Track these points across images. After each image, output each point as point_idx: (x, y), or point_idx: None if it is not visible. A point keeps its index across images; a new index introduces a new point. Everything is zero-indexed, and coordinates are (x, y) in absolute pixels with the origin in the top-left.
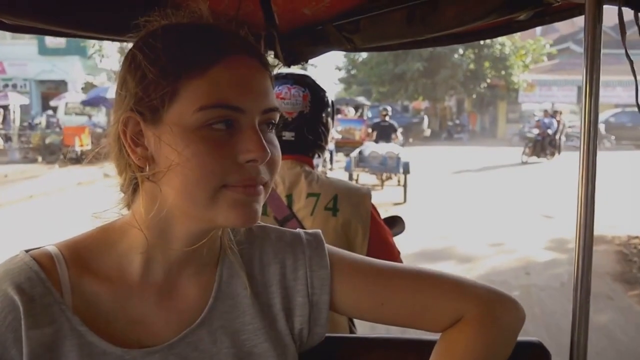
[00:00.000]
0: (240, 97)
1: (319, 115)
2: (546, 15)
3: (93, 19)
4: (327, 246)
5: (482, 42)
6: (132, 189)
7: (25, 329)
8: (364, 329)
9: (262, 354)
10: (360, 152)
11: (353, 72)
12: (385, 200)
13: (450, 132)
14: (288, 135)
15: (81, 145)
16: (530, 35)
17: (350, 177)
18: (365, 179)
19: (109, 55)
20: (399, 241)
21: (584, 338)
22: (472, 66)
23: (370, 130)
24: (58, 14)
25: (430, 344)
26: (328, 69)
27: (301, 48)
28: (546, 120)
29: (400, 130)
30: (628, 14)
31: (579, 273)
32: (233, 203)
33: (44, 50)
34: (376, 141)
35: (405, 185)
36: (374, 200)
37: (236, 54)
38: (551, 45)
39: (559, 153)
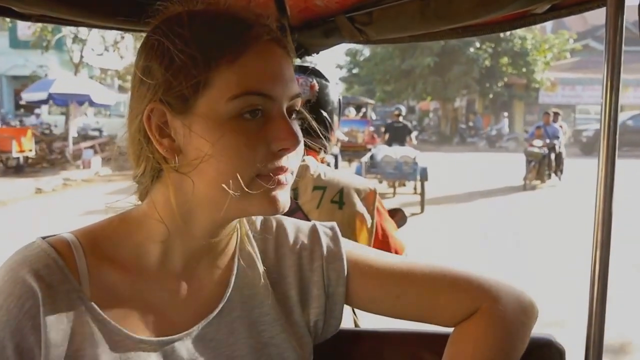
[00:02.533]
0: (271, 84)
1: (325, 107)
2: (564, 7)
3: (106, 7)
4: (343, 239)
5: (500, 35)
6: (151, 178)
7: (44, 316)
8: (364, 324)
9: (280, 344)
10: (371, 157)
11: (355, 70)
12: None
13: (462, 136)
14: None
15: (21, 151)
16: (542, 32)
17: None
18: (374, 185)
19: (90, 48)
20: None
21: (599, 336)
22: (487, 62)
23: (373, 131)
24: (69, 2)
25: (443, 338)
26: (328, 67)
27: (313, 40)
28: (550, 128)
29: (415, 133)
30: None
31: (595, 270)
32: (266, 192)
33: (15, 43)
34: (389, 144)
35: (422, 194)
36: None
37: (265, 41)
38: (575, 40)
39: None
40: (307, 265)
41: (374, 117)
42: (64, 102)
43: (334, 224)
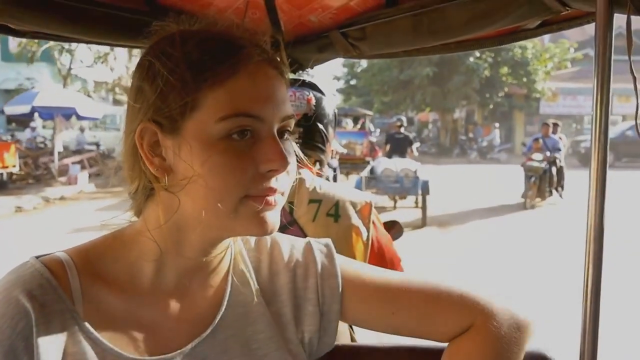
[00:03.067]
0: (260, 105)
1: (321, 120)
2: (554, 23)
3: (101, 23)
4: (338, 255)
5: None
6: (144, 196)
7: (37, 337)
8: (360, 338)
9: None
10: (371, 170)
11: (352, 82)
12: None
13: (463, 148)
14: (291, 137)
15: (4, 167)
16: (541, 41)
17: None
18: (375, 199)
19: (81, 61)
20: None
21: (592, 347)
22: (487, 72)
23: (374, 143)
24: (65, 19)
25: (437, 353)
26: (325, 79)
27: (307, 55)
28: (549, 140)
29: (417, 144)
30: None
31: (588, 281)
32: (255, 213)
33: (7, 57)
34: (389, 155)
35: (424, 208)
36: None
37: (256, 62)
38: (575, 50)
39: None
40: (301, 283)
41: (372, 128)
42: (49, 115)
43: (329, 240)
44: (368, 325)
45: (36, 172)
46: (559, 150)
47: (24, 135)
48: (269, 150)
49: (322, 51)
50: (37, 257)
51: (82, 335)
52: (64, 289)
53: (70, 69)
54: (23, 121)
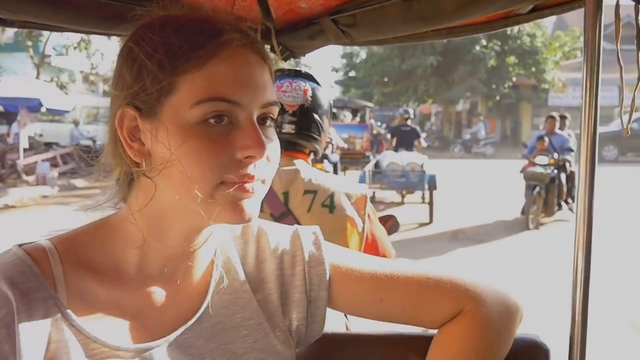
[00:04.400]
0: (238, 91)
1: (317, 110)
2: (545, 8)
3: (89, 12)
4: (326, 242)
5: (507, 32)
6: (127, 182)
7: (19, 324)
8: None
9: (263, 349)
10: (376, 164)
11: (351, 73)
12: (407, 220)
13: (465, 143)
14: (288, 127)
15: None
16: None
17: None
18: (382, 193)
19: (65, 52)
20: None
21: (582, 334)
22: (492, 62)
23: (380, 137)
24: (52, 8)
25: (427, 340)
26: (324, 71)
27: (298, 42)
28: (556, 138)
29: (424, 135)
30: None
31: (578, 269)
32: (230, 200)
33: None
34: (396, 149)
35: (431, 203)
36: None
37: (235, 47)
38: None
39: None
40: (288, 270)
41: (376, 122)
42: (12, 107)
43: (317, 227)
44: (357, 312)
45: (1, 171)
46: (570, 150)
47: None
48: (247, 136)
49: (313, 38)
50: (19, 245)
51: (65, 323)
52: (46, 276)
53: (44, 56)
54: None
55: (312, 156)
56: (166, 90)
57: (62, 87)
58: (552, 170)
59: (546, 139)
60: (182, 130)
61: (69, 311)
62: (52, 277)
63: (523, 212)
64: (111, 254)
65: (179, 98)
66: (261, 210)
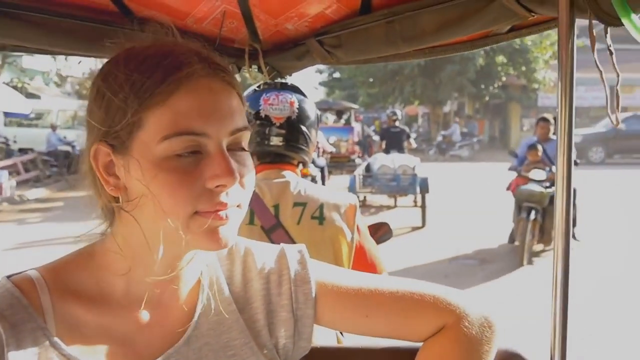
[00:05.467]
0: (204, 122)
1: (304, 122)
2: (522, 27)
3: (77, 35)
4: (311, 260)
5: None
6: (110, 212)
7: (8, 357)
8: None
9: None
10: (367, 167)
11: (336, 74)
12: (400, 224)
13: (470, 144)
14: (276, 140)
15: None
16: None
17: None
18: (374, 197)
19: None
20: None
21: (562, 345)
22: (481, 61)
23: (370, 139)
24: (44, 32)
25: (412, 353)
26: (307, 72)
27: (285, 62)
28: (551, 145)
29: (414, 136)
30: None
31: (557, 280)
32: (206, 229)
33: None
34: (387, 151)
35: (423, 207)
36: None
37: (198, 77)
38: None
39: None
40: (275, 289)
41: (361, 124)
42: None
43: (303, 246)
44: (343, 328)
45: None
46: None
47: None
48: (216, 166)
49: (300, 59)
50: (7, 277)
51: (55, 353)
52: (34, 307)
53: (5, 57)
54: None
55: (300, 167)
56: (134, 126)
57: (22, 88)
58: (548, 188)
59: (539, 147)
60: (153, 164)
61: (58, 340)
62: (40, 307)
63: (511, 239)
64: (98, 281)
65: (147, 134)
66: (252, 223)
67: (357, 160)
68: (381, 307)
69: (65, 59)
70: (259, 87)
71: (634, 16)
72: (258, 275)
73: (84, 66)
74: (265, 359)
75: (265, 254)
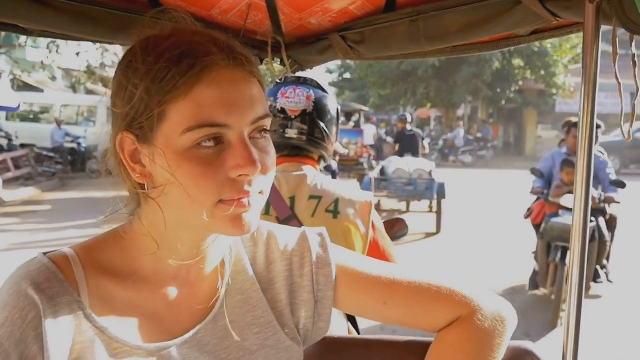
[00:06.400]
0: (226, 113)
1: (321, 117)
2: (546, 30)
3: (102, 22)
4: (332, 245)
5: None
6: (136, 197)
7: (46, 326)
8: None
9: (273, 346)
10: (381, 170)
11: (346, 75)
12: (414, 230)
13: (473, 149)
14: (291, 132)
15: None
16: None
17: None
18: (386, 202)
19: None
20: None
21: (575, 342)
22: (498, 64)
23: (382, 141)
24: (71, 19)
25: (425, 346)
26: (318, 72)
27: (307, 56)
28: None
29: (428, 140)
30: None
31: (572, 280)
32: (229, 216)
33: None
34: (400, 154)
35: (439, 212)
36: None
37: (218, 68)
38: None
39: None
40: (297, 271)
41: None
42: None
43: (324, 229)
44: (360, 313)
45: None
46: (616, 183)
47: None
48: (238, 156)
49: (322, 53)
50: (44, 254)
51: (89, 325)
52: (70, 281)
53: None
54: None
55: (322, 163)
56: (157, 118)
57: (14, 81)
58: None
59: (570, 164)
60: (177, 155)
61: (92, 313)
62: (75, 282)
63: (534, 283)
64: (128, 260)
65: (170, 125)
66: (267, 214)
67: (373, 164)
68: (399, 295)
69: (57, 50)
70: (281, 80)
71: None
72: (281, 257)
73: (82, 59)
74: (287, 337)
75: (287, 236)
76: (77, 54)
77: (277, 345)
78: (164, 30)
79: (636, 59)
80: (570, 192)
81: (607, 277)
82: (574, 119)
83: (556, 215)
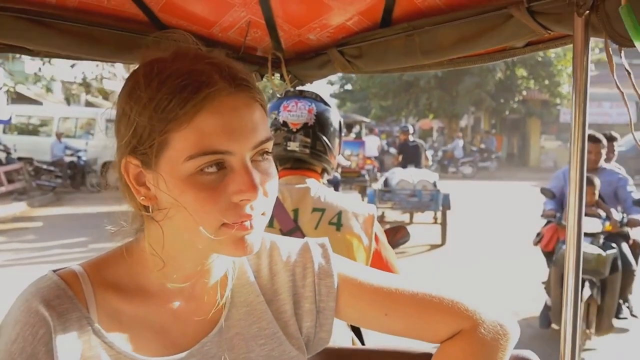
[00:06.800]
0: (228, 140)
1: (323, 130)
2: (540, 42)
3: (109, 44)
4: (334, 255)
5: None
6: (141, 216)
7: (56, 342)
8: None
9: (279, 356)
10: (385, 182)
11: (347, 86)
12: (418, 242)
13: (473, 160)
14: (293, 145)
15: None
16: None
17: None
18: (389, 214)
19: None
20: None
21: (572, 351)
22: (501, 74)
23: (385, 151)
24: (75, 40)
25: (427, 357)
26: (318, 84)
27: (307, 71)
28: (606, 176)
29: (431, 152)
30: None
31: (568, 288)
32: (232, 239)
33: None
34: (403, 165)
35: (444, 224)
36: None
37: (220, 96)
38: (600, 50)
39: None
40: (299, 282)
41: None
42: None
43: (326, 240)
44: (362, 323)
45: None
46: (634, 201)
47: None
48: (240, 181)
49: (321, 67)
50: (54, 271)
51: (97, 340)
52: (79, 298)
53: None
54: None
55: (325, 175)
56: (160, 146)
57: (8, 92)
58: (612, 250)
59: (596, 181)
60: (180, 181)
61: (100, 329)
62: (83, 298)
63: (546, 320)
64: (134, 276)
65: (173, 153)
66: (271, 226)
67: (377, 175)
68: (400, 306)
69: (49, 60)
70: (281, 95)
71: None
72: (284, 267)
73: (77, 71)
74: (293, 347)
75: (290, 247)
76: (72, 65)
77: (282, 356)
78: (166, 54)
79: (629, 69)
80: (589, 214)
81: (631, 311)
82: (587, 131)
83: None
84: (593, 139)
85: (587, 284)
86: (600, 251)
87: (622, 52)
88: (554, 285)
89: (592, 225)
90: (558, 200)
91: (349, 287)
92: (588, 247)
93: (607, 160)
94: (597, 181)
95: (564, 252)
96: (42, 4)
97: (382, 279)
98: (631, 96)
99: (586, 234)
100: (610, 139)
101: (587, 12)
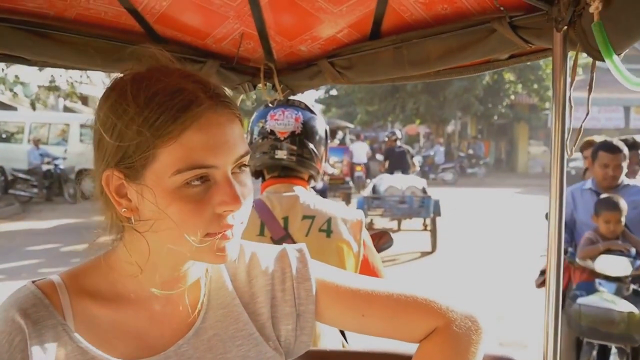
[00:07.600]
0: (213, 155)
1: (310, 138)
2: (522, 55)
3: (104, 55)
4: (312, 260)
5: None
6: (120, 227)
7: (31, 348)
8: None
9: (255, 357)
10: (373, 188)
11: (332, 92)
12: (407, 249)
13: (461, 166)
14: (280, 153)
15: None
16: None
17: None
18: (377, 221)
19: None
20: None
21: (554, 351)
22: (488, 78)
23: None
24: (72, 51)
25: (410, 358)
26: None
27: (298, 81)
28: (631, 194)
29: (418, 158)
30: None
31: (550, 291)
32: (215, 247)
33: None
34: (390, 172)
35: (434, 231)
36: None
37: (206, 113)
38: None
39: None
40: (279, 285)
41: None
42: None
43: (303, 245)
44: (341, 325)
45: None
46: None
47: None
48: (224, 194)
49: (312, 78)
50: (33, 282)
51: (72, 345)
52: (55, 306)
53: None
54: None
55: (312, 182)
56: (148, 159)
57: None
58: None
59: (622, 204)
60: (166, 193)
61: (76, 335)
62: (60, 306)
63: None
64: (111, 283)
65: (160, 166)
66: (262, 235)
67: (367, 182)
68: (376, 307)
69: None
70: (271, 103)
71: (615, 57)
72: (262, 273)
73: (46, 74)
74: (270, 348)
75: (268, 253)
76: (40, 69)
77: (259, 356)
78: (149, 68)
79: (592, 84)
80: (612, 250)
81: None
82: (596, 138)
83: (588, 286)
84: (610, 148)
85: (614, 351)
86: (633, 308)
87: (595, 66)
88: (564, 350)
89: (618, 265)
90: (567, 229)
91: (327, 290)
92: (612, 300)
93: (630, 174)
94: (622, 204)
95: (580, 308)
96: (41, 16)
97: (358, 282)
98: (619, 101)
99: (609, 279)
100: (634, 146)
101: (566, 27)
